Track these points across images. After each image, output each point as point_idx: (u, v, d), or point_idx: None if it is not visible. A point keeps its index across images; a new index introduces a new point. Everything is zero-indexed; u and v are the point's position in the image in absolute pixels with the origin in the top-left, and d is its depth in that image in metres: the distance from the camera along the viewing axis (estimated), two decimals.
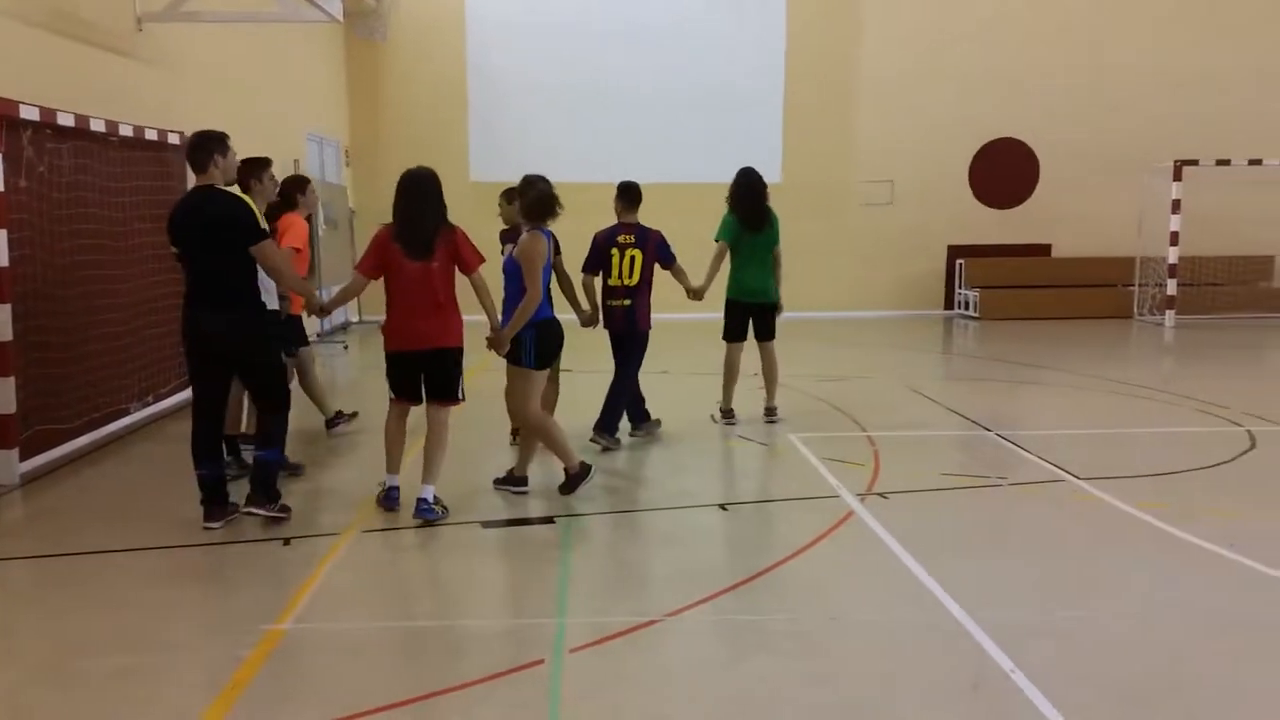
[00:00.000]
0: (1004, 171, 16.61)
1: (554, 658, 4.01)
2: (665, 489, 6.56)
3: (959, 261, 16.54)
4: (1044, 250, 16.85)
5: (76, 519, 5.98)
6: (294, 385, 7.41)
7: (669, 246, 7.50)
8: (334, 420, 7.86)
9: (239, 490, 6.08)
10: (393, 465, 5.97)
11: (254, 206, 5.64)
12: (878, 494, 6.25)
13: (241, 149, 5.85)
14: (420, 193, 5.68)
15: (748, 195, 7.97)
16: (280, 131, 12.08)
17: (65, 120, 7.00)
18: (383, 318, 5.93)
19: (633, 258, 7.32)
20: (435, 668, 3.97)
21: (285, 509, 5.82)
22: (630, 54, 15.91)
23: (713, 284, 7.94)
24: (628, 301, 7.37)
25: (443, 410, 5.85)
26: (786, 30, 16.20)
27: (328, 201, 13.25)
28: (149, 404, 8.29)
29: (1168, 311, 15.11)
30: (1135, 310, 15.96)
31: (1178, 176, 14.70)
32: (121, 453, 7.53)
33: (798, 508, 6.21)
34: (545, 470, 6.68)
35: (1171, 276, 15.05)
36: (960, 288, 16.53)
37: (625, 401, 7.55)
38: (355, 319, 15.38)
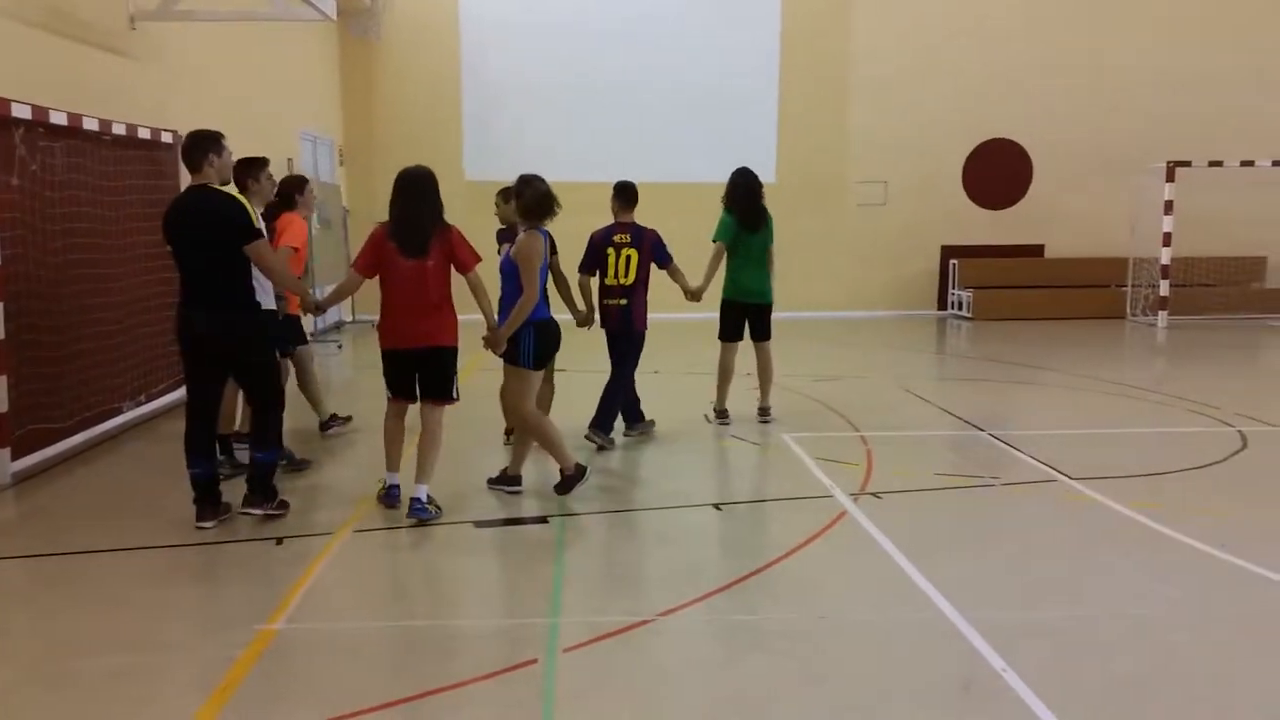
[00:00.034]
0: (997, 172, 16.64)
1: (547, 657, 4.01)
2: (659, 489, 6.57)
3: (952, 262, 16.57)
4: (1037, 251, 16.89)
5: (69, 518, 5.96)
6: (291, 384, 7.43)
7: (665, 246, 7.51)
8: (328, 423, 7.84)
9: (232, 490, 6.09)
10: (392, 464, 5.98)
11: (248, 206, 5.64)
12: (871, 494, 6.26)
13: (235, 148, 5.84)
14: (417, 192, 5.68)
15: (745, 195, 7.97)
16: (274, 130, 12.06)
17: (58, 119, 6.98)
18: (376, 317, 5.94)
19: (628, 257, 7.33)
20: (428, 667, 3.96)
21: (283, 504, 5.86)
22: (624, 53, 15.91)
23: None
24: (624, 301, 7.38)
25: (437, 409, 5.85)
26: (781, 30, 16.21)
27: (321, 201, 13.21)
28: (142, 403, 8.28)
29: (1160, 312, 15.15)
30: (1128, 311, 16.01)
31: (1170, 177, 14.75)
32: (114, 452, 7.51)
33: (791, 507, 6.22)
34: (539, 470, 6.68)
35: (1164, 277, 15.10)
36: (954, 288, 16.57)
37: (621, 400, 7.55)
38: (349, 318, 15.36)
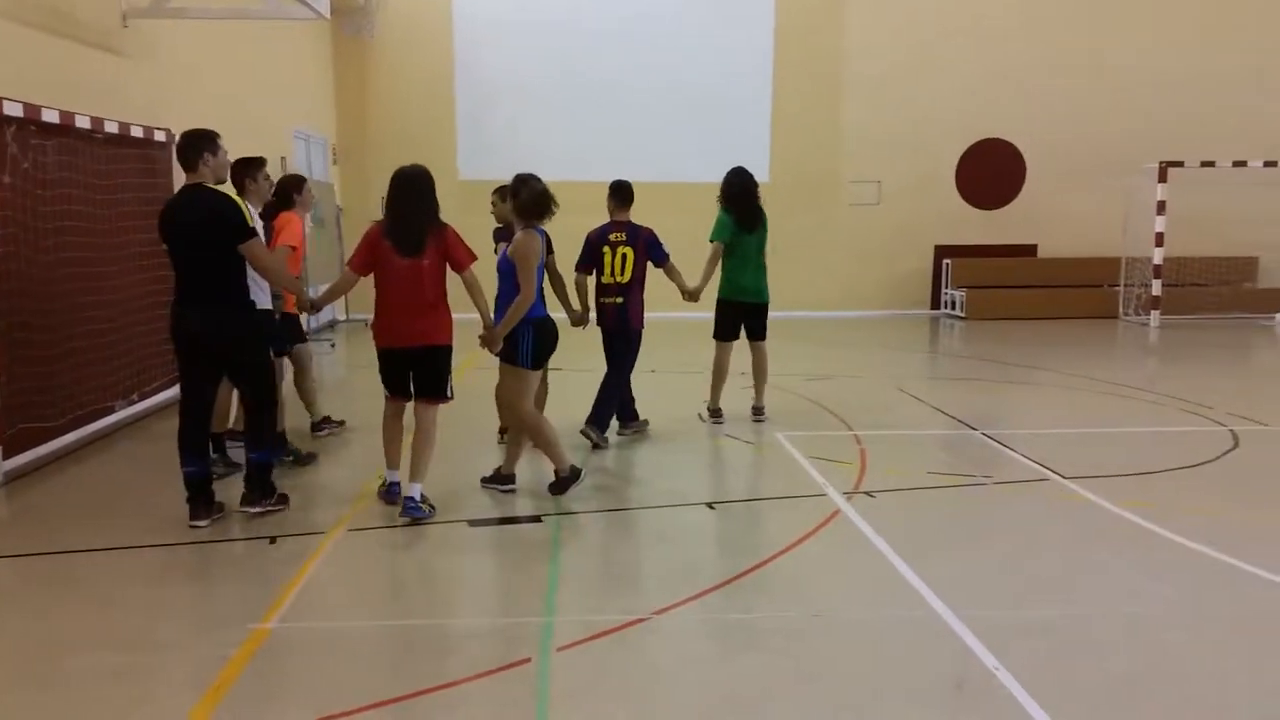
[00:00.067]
0: (991, 172, 16.67)
1: (541, 656, 4.02)
2: (653, 488, 6.57)
3: (946, 261, 16.59)
4: (1030, 250, 16.92)
5: (61, 517, 5.95)
6: (287, 383, 7.42)
7: (661, 245, 7.52)
8: (320, 424, 7.82)
9: (225, 489, 6.09)
10: (392, 461, 5.99)
11: (242, 205, 5.64)
12: (864, 492, 6.27)
13: (228, 146, 5.83)
14: (413, 191, 5.68)
15: (742, 194, 7.97)
16: (267, 128, 12.03)
17: (50, 117, 6.96)
18: (370, 316, 5.94)
19: (624, 255, 7.35)
20: (422, 666, 3.96)
21: (283, 498, 5.92)
22: (618, 52, 15.90)
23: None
24: (620, 299, 7.40)
25: (431, 408, 5.85)
26: (775, 30, 16.21)
27: (315, 199, 13.18)
28: (134, 402, 8.26)
29: (1153, 312, 15.20)
30: (1120, 310, 16.05)
31: (1163, 178, 14.79)
32: (107, 451, 7.49)
33: (785, 506, 6.23)
34: (533, 469, 6.68)
35: (1156, 277, 15.14)
36: (947, 287, 16.59)
37: (617, 398, 7.56)
38: (342, 317, 15.34)
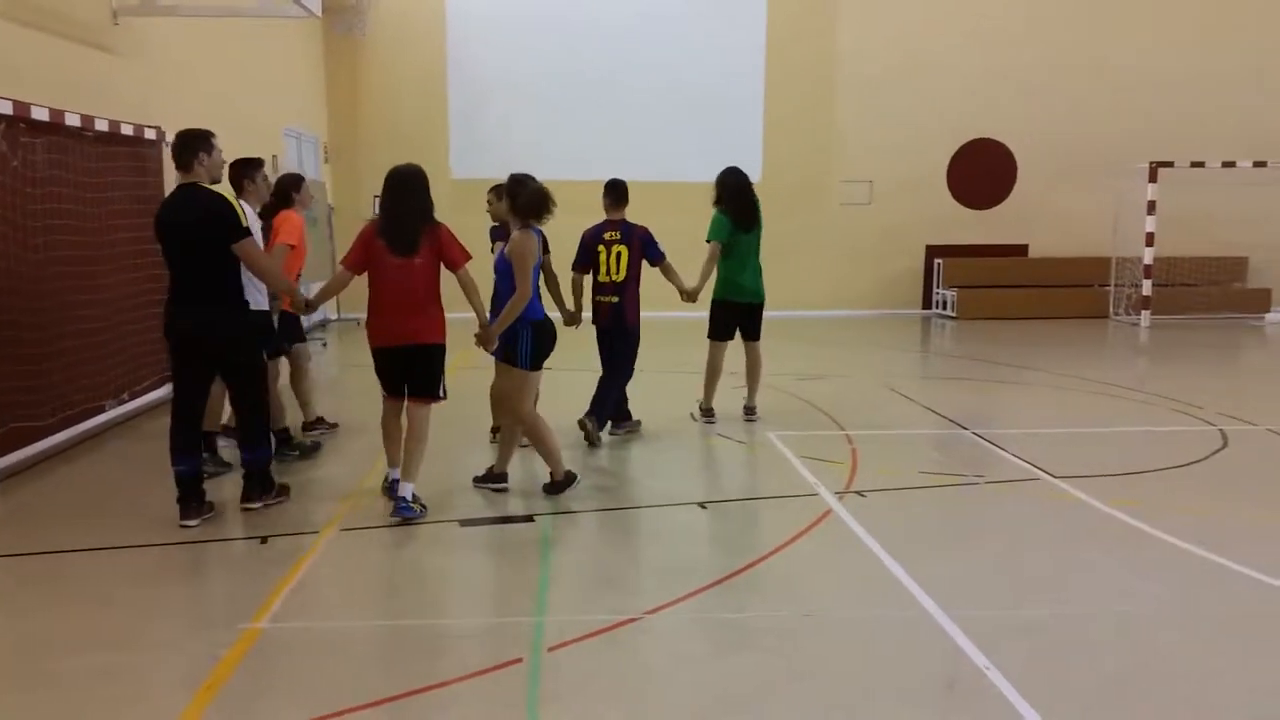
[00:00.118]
0: (982, 172, 16.71)
1: (533, 656, 4.01)
2: (645, 487, 6.58)
3: (937, 261, 16.63)
4: (1021, 250, 16.97)
5: (52, 517, 5.93)
6: (284, 382, 7.42)
7: (657, 244, 7.53)
8: (313, 425, 7.79)
9: (216, 488, 6.08)
10: (393, 459, 5.98)
11: (237, 205, 5.63)
12: (856, 492, 6.28)
13: (219, 144, 5.83)
14: (407, 190, 5.68)
15: (739, 194, 7.96)
16: (258, 127, 12.00)
17: (40, 114, 6.93)
18: (362, 315, 5.93)
19: (619, 254, 7.37)
20: (413, 666, 3.96)
21: (283, 489, 6.00)
22: (611, 50, 15.89)
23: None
24: (616, 298, 7.42)
25: (423, 407, 5.84)
26: (767, 29, 16.22)
27: (313, 198, 13.17)
28: (125, 401, 8.23)
29: (1143, 312, 15.26)
30: (1111, 310, 16.11)
31: (1153, 178, 14.85)
32: (97, 450, 7.47)
33: (777, 506, 6.23)
34: (526, 469, 6.68)
35: (1147, 277, 15.20)
36: (938, 287, 16.63)
37: (615, 395, 7.59)
38: (334, 316, 15.30)
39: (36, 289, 6.98)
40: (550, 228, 6.43)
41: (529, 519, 5.81)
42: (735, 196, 7.94)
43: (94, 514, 5.93)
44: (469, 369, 9.04)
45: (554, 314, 6.48)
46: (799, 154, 16.30)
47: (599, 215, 7.57)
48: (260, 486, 5.87)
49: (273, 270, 6.02)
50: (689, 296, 7.79)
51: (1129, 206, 15.35)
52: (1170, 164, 14.93)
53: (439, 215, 5.82)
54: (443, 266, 5.76)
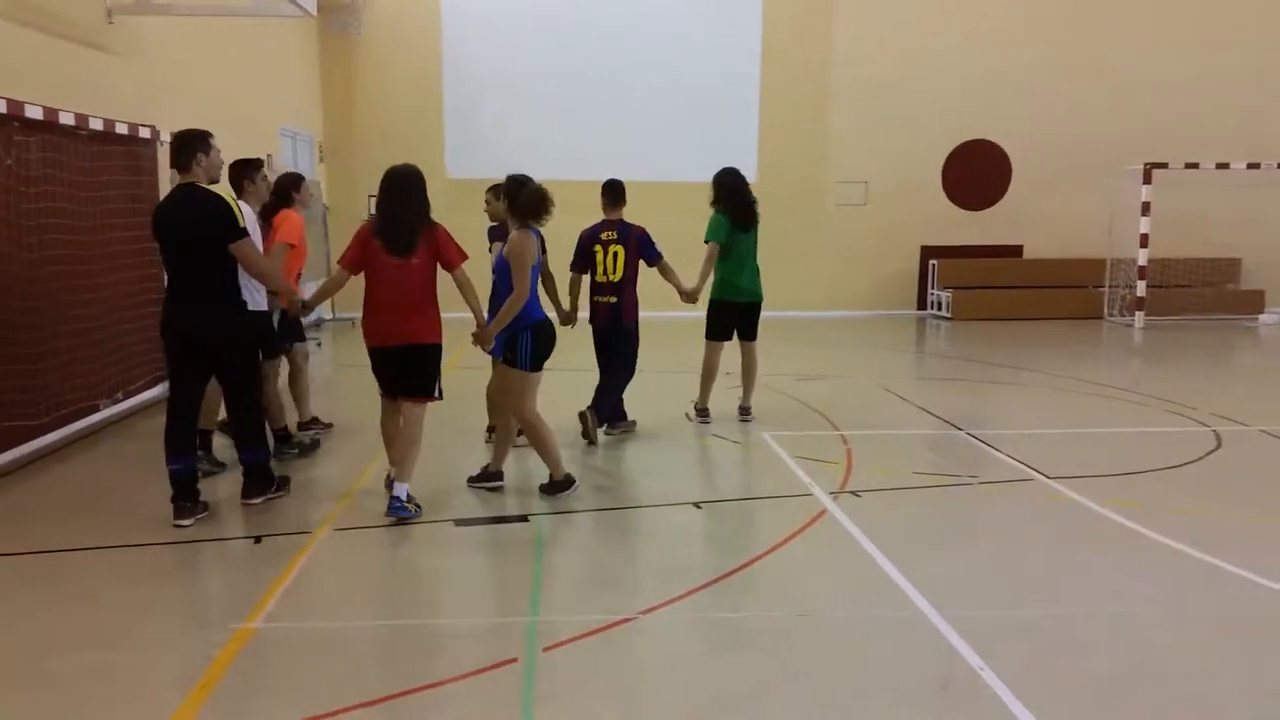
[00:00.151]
0: (977, 173, 16.73)
1: (527, 656, 4.01)
2: (640, 487, 6.58)
3: (932, 262, 16.64)
4: (1015, 251, 16.99)
5: (45, 516, 5.91)
6: (281, 381, 7.41)
7: (654, 244, 7.53)
8: (308, 425, 7.78)
9: (210, 488, 6.08)
10: (394, 458, 5.98)
11: (234, 205, 5.64)
12: (850, 492, 6.29)
13: (217, 144, 5.84)
14: (403, 190, 5.69)
15: (737, 194, 7.97)
16: (253, 126, 11.99)
17: (34, 113, 6.91)
18: (357, 314, 5.93)
19: (615, 254, 7.38)
20: (408, 666, 3.96)
21: (283, 482, 6.08)
22: (607, 50, 15.88)
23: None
24: (614, 299, 7.43)
25: (418, 407, 5.84)
26: (762, 30, 16.23)
27: (313, 197, 13.16)
28: (119, 400, 8.21)
29: (1137, 313, 15.29)
30: (1105, 311, 16.14)
31: (1147, 179, 14.88)
32: (91, 449, 7.45)
33: (771, 506, 6.24)
34: (521, 468, 6.68)
35: (1141, 278, 15.22)
36: (933, 288, 16.64)
37: (617, 394, 7.61)
38: (329, 315, 15.28)
39: (30, 288, 6.96)
40: (547, 228, 6.43)
41: (524, 519, 5.80)
42: (733, 197, 7.94)
43: (88, 513, 5.92)
44: (465, 369, 9.04)
45: (551, 314, 6.47)
46: (794, 155, 16.30)
47: (595, 215, 7.58)
48: (260, 483, 5.95)
49: (269, 271, 6.03)
50: (689, 297, 7.79)
51: (1123, 208, 15.38)
52: (1164, 165, 14.96)
53: (434, 215, 5.83)
54: (439, 266, 5.76)
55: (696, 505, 6.17)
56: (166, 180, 8.95)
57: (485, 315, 6.06)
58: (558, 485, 6.18)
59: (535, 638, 4.17)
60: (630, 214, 7.61)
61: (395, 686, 3.75)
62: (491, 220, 7.39)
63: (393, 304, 5.68)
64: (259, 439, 5.95)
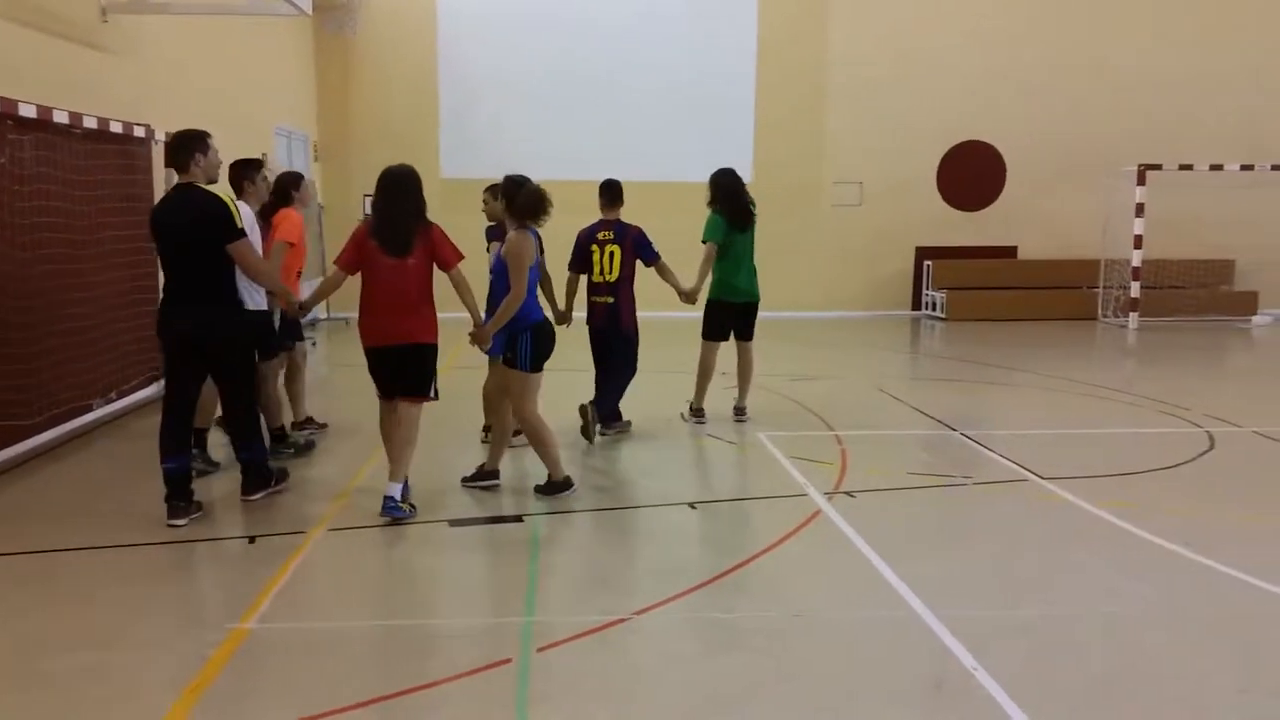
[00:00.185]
0: (971, 174, 16.75)
1: (522, 656, 4.01)
2: (635, 487, 6.58)
3: (927, 263, 16.66)
4: (1010, 252, 17.02)
5: (38, 516, 5.90)
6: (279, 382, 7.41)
7: (651, 245, 7.54)
8: (303, 424, 7.76)
9: (204, 487, 6.07)
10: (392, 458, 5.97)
11: (232, 205, 5.63)
12: (845, 492, 6.30)
13: (215, 145, 5.84)
14: (399, 191, 5.69)
15: (733, 194, 7.97)
16: (248, 125, 11.97)
17: (27, 111, 6.89)
18: (351, 314, 5.93)
19: (611, 253, 7.40)
20: (402, 667, 3.95)
21: (282, 476, 6.14)
22: (603, 49, 15.88)
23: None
24: (611, 299, 7.44)
25: (414, 407, 5.83)
26: (758, 31, 16.24)
27: (313, 196, 13.14)
28: (113, 400, 8.19)
29: (1131, 314, 15.31)
30: (1099, 312, 16.16)
31: (1141, 180, 14.91)
32: (85, 449, 7.44)
33: (766, 506, 6.25)
34: (516, 468, 6.68)
35: (1135, 279, 15.26)
36: (928, 289, 16.66)
37: (618, 393, 7.64)
38: (324, 315, 15.26)
39: (24, 287, 6.94)
40: (543, 228, 6.44)
41: (518, 519, 5.80)
42: (729, 197, 7.95)
43: (82, 513, 5.90)
44: (460, 368, 9.04)
45: (548, 313, 6.48)
46: (790, 155, 16.30)
47: (590, 215, 7.58)
48: (260, 479, 6.00)
49: (267, 271, 6.03)
50: (688, 298, 7.79)
51: (1118, 208, 15.41)
52: (1159, 166, 15.00)
53: (430, 215, 5.82)
54: (435, 267, 5.76)
55: (691, 506, 6.17)
56: (161, 179, 8.94)
57: (482, 315, 6.06)
58: (556, 486, 6.17)
59: (530, 638, 4.17)
60: (625, 214, 7.61)
61: (390, 687, 3.75)
62: (489, 220, 7.39)
63: (389, 304, 5.67)
64: (257, 437, 5.99)
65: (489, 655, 4.02)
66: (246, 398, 5.89)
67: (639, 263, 7.53)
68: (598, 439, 7.58)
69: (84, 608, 4.54)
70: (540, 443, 6.16)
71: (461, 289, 5.74)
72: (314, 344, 12.89)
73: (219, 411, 6.89)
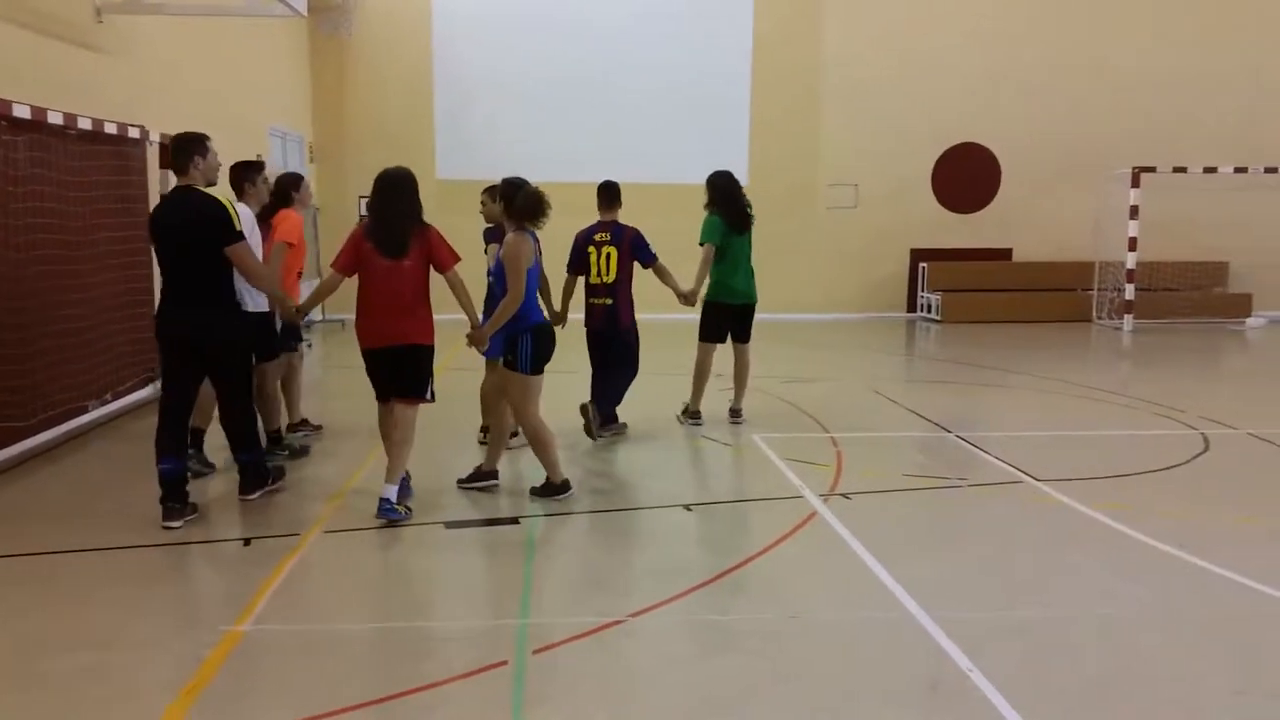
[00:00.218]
0: (966, 176, 16.78)
1: (518, 658, 4.01)
2: (631, 489, 6.59)
3: (922, 265, 16.69)
4: (1005, 254, 17.05)
5: (34, 518, 5.89)
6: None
7: (648, 246, 7.54)
8: (297, 426, 7.76)
9: (200, 489, 6.06)
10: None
11: (231, 208, 5.64)
12: (840, 494, 6.30)
13: (214, 147, 5.84)
14: (395, 192, 5.69)
15: (731, 196, 7.98)
16: (243, 126, 11.95)
17: (21, 112, 6.88)
18: (347, 316, 5.93)
19: (608, 255, 7.40)
20: (397, 669, 3.95)
21: (278, 474, 6.19)
22: (598, 50, 15.88)
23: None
24: (609, 300, 7.44)
25: (410, 408, 5.83)
26: (754, 33, 16.26)
27: (313, 197, 13.12)
28: (108, 402, 8.17)
29: (1125, 315, 15.35)
30: (1094, 314, 16.20)
31: (1136, 183, 14.95)
32: (80, 450, 7.42)
33: (762, 508, 6.25)
34: (513, 470, 6.68)
35: (1129, 281, 15.29)
36: (923, 291, 16.69)
37: (616, 396, 7.64)
38: (319, 317, 15.23)
39: (18, 288, 6.92)
40: (541, 230, 6.44)
41: (515, 521, 5.80)
42: (726, 199, 7.96)
43: (78, 514, 5.89)
44: (457, 370, 9.03)
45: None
46: (785, 157, 16.32)
47: (587, 217, 7.59)
48: (257, 479, 6.03)
49: (264, 275, 6.03)
50: (687, 299, 7.79)
51: (1112, 211, 15.44)
52: (1153, 169, 15.04)
53: (425, 217, 5.82)
54: (432, 268, 5.76)
55: (687, 508, 6.17)
56: (156, 180, 8.93)
57: (480, 316, 6.06)
58: (553, 489, 6.17)
59: (526, 640, 4.17)
60: (622, 215, 7.62)
61: (386, 689, 3.75)
62: (487, 222, 7.38)
63: (385, 306, 5.67)
64: (254, 437, 6.02)
65: (485, 657, 4.02)
66: (244, 399, 5.91)
67: (637, 264, 7.53)
68: (596, 440, 7.59)
69: (81, 608, 4.53)
70: (541, 445, 6.16)
71: (458, 290, 5.75)
72: (309, 346, 12.88)
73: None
